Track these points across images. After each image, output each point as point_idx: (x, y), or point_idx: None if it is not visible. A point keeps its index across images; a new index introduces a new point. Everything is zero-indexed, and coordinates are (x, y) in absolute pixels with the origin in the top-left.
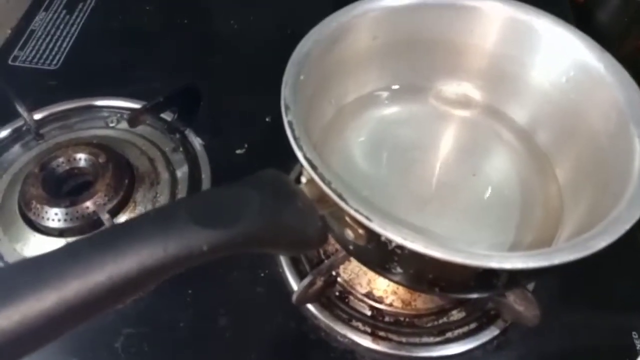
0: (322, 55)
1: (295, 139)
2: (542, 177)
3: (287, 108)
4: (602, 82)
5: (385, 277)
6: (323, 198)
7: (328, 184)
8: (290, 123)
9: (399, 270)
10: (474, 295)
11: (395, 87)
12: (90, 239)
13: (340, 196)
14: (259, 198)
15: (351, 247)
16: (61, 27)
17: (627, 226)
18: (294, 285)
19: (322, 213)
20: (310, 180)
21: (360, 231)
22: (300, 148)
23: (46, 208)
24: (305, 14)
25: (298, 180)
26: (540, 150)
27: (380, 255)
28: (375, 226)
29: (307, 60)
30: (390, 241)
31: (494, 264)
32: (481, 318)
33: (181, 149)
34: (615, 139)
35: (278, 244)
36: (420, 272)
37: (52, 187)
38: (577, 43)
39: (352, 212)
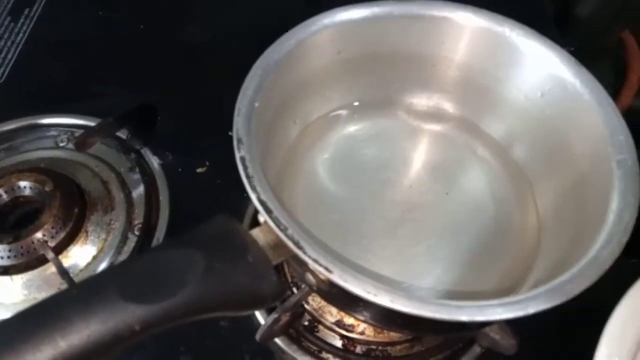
0: (281, 76)
1: (248, 177)
2: (519, 198)
3: (239, 141)
4: (579, 100)
5: (353, 317)
6: (280, 244)
7: (284, 230)
8: (242, 159)
9: (365, 314)
10: (447, 335)
11: (363, 102)
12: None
13: (297, 244)
14: (202, 261)
15: (315, 289)
16: (5, 36)
17: (606, 267)
18: (260, 318)
19: (279, 261)
20: (267, 223)
21: (322, 277)
22: (254, 189)
23: None
24: (275, 17)
25: (257, 222)
26: (518, 168)
27: (346, 299)
28: (336, 278)
29: (264, 84)
30: None
31: (464, 317)
32: (456, 343)
33: (137, 169)
34: (595, 162)
35: (226, 308)
36: (389, 318)
37: None
38: (552, 57)
39: (310, 262)
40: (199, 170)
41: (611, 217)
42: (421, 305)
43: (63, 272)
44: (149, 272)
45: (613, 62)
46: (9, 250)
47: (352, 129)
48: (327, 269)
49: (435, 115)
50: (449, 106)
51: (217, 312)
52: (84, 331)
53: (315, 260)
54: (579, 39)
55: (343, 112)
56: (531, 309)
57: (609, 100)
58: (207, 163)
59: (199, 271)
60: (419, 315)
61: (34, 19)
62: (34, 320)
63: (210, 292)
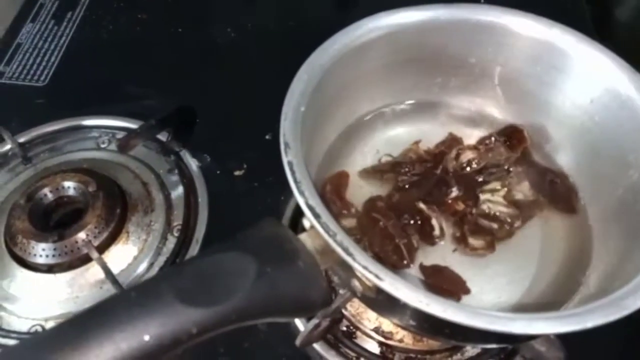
0: (326, 80)
1: (296, 182)
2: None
3: (286, 146)
4: (632, 107)
5: (397, 325)
6: (327, 249)
7: (333, 236)
8: (290, 164)
9: (411, 322)
10: (494, 346)
11: (404, 105)
12: (61, 328)
13: (346, 250)
14: (255, 266)
15: (359, 295)
16: (49, 39)
17: None
18: (298, 323)
19: (327, 266)
20: (314, 228)
21: (369, 284)
22: (302, 194)
23: (33, 243)
24: (307, 19)
25: (296, 226)
26: (565, 175)
27: (392, 307)
28: (386, 286)
29: (309, 88)
30: None
31: (517, 329)
32: (498, 354)
33: (176, 171)
34: None
35: (277, 314)
36: (437, 327)
37: (39, 219)
38: (605, 62)
39: (359, 268)
40: (236, 172)
41: None
42: (475, 317)
43: (107, 271)
44: (203, 276)
45: None
46: (54, 249)
47: (392, 132)
48: (377, 276)
49: (477, 120)
50: (491, 111)
51: (269, 317)
52: (144, 333)
53: (365, 267)
54: (619, 44)
55: (383, 114)
56: (589, 323)
57: None
58: (245, 166)
59: (252, 275)
60: (472, 326)
61: (77, 22)
62: (95, 322)
63: (264, 297)
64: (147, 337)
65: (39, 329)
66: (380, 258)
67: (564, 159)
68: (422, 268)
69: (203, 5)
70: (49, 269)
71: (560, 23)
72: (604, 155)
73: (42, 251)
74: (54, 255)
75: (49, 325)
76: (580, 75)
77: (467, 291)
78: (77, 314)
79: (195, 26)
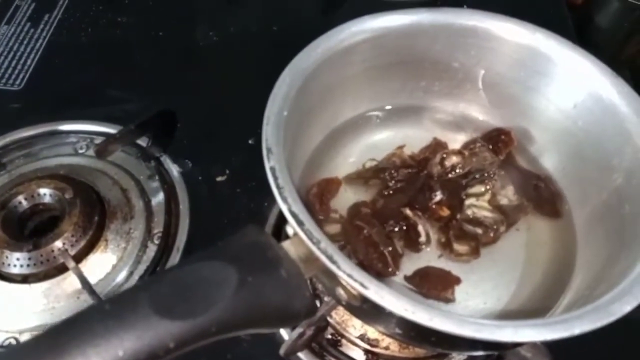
0: (309, 83)
1: (278, 188)
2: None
3: (269, 151)
4: (615, 112)
5: (382, 333)
6: (311, 257)
7: (316, 244)
8: (273, 169)
9: (397, 330)
10: (480, 353)
11: (388, 109)
12: (32, 343)
13: (330, 258)
14: (236, 275)
15: (344, 304)
16: (25, 42)
17: None
18: (283, 331)
19: (311, 275)
20: (297, 235)
21: (354, 292)
22: (285, 200)
23: (7, 252)
24: (291, 23)
25: (279, 234)
26: (549, 179)
27: (378, 315)
28: (371, 294)
29: (292, 91)
30: None
31: (505, 337)
32: None
33: (157, 177)
34: (631, 175)
35: (259, 325)
36: (423, 335)
37: (13, 228)
38: (588, 67)
39: (344, 276)
40: (219, 178)
41: None
42: (461, 325)
43: (84, 281)
44: (182, 286)
45: (633, 77)
46: (29, 259)
47: (376, 137)
48: (362, 284)
49: (461, 124)
50: (475, 115)
51: (250, 329)
52: (118, 348)
53: (350, 275)
54: (599, 49)
55: (367, 119)
56: (577, 329)
57: None
58: (227, 171)
59: (232, 285)
60: (458, 334)
61: (54, 24)
62: (67, 337)
63: (245, 307)
64: (121, 353)
65: (13, 341)
66: (365, 266)
67: (549, 163)
68: (408, 279)
69: (184, 7)
70: (24, 279)
71: (543, 28)
72: (588, 160)
73: (16, 261)
74: (28, 265)
75: (24, 337)
76: (564, 80)
77: (457, 281)
78: (49, 328)
79: (176, 29)
